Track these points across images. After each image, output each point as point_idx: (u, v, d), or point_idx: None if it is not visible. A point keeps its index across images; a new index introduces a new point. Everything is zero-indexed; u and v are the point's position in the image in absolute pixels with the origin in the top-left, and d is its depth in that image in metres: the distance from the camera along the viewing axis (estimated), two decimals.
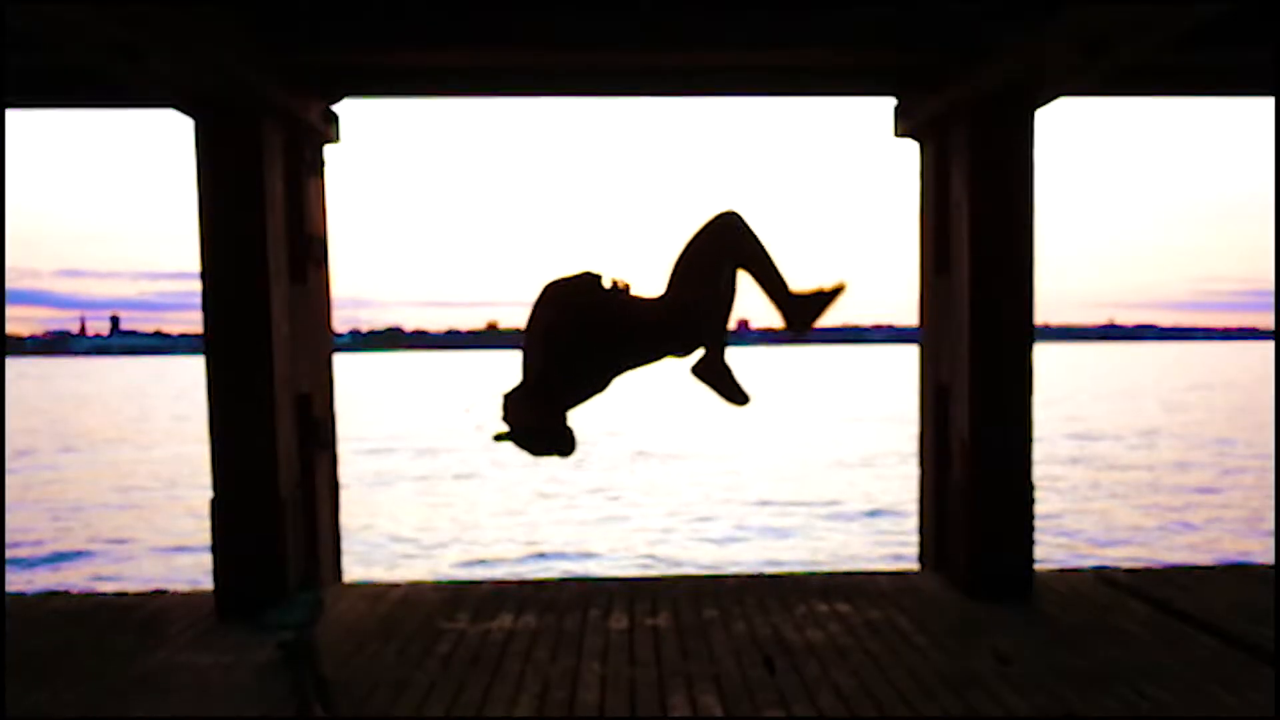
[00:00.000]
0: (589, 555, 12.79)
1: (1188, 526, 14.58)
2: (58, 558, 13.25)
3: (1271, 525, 14.02)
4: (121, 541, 14.28)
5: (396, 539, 14.31)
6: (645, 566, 12.28)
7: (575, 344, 3.18)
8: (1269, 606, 4.83)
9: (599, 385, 3.26)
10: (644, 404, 39.88)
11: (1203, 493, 17.58)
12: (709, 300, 3.37)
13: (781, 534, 14.40)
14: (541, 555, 12.63)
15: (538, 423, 3.19)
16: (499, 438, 3.19)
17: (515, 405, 3.19)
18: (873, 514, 15.91)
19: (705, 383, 3.51)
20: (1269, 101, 5.48)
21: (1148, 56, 4.54)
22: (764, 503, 16.89)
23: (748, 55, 5.13)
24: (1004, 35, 4.54)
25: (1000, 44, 4.58)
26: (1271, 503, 16.09)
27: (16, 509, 16.65)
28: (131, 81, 4.51)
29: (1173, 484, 18.59)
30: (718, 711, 3.72)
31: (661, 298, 3.32)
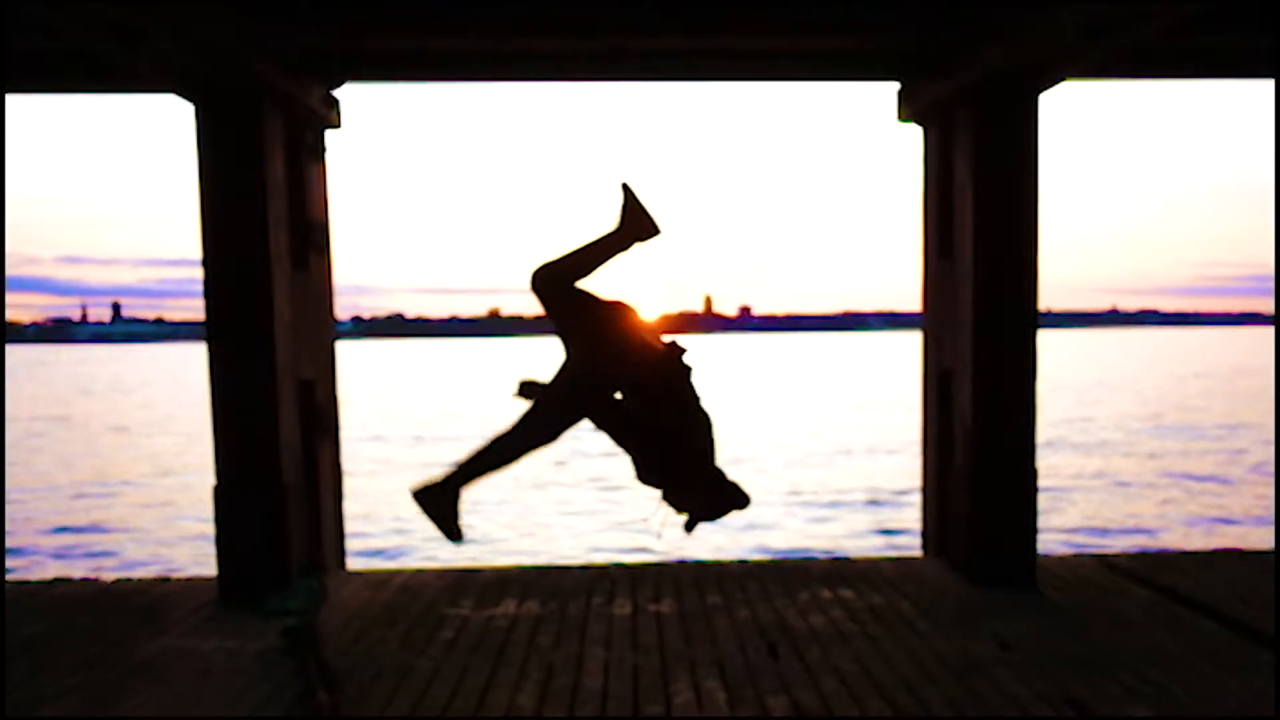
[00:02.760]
0: (597, 550, 12.80)
1: (1196, 516, 14.58)
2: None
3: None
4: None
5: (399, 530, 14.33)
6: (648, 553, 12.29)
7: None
8: (1270, 592, 4.84)
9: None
10: None
11: (1206, 480, 17.57)
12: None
13: (818, 520, 14.40)
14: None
15: (711, 496, 3.40)
16: (690, 528, 3.44)
17: (686, 497, 3.39)
18: (873, 503, 15.92)
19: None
20: (1270, 84, 5.46)
21: (1150, 40, 4.51)
22: (794, 492, 16.81)
23: (751, 40, 5.11)
24: (1008, 19, 4.52)
25: (1004, 28, 4.56)
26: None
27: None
28: (131, 65, 4.49)
29: (1178, 470, 18.57)
30: (721, 697, 3.73)
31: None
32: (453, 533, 3.43)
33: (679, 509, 3.46)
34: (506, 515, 14.68)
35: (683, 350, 3.41)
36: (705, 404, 3.43)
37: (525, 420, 3.35)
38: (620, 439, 3.46)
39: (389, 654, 4.27)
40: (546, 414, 3.35)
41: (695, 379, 3.43)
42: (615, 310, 3.34)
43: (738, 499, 3.42)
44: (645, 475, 3.46)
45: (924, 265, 5.87)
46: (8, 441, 24.72)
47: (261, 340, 5.01)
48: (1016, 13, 4.43)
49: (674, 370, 3.37)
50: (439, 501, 3.39)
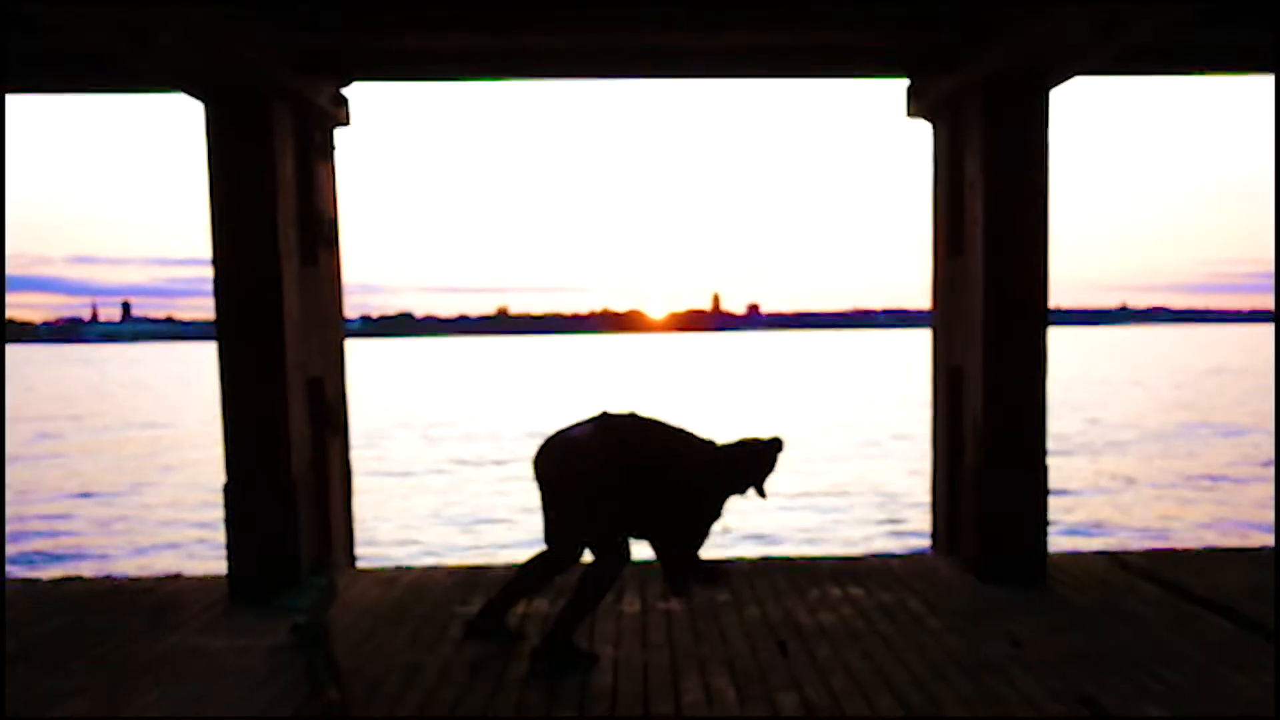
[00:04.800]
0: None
1: (1209, 513, 14.50)
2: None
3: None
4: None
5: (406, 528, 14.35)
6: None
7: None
8: None
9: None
10: (647, 391, 39.83)
11: (1218, 479, 17.49)
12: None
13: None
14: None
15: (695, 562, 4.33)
16: (680, 594, 4.67)
17: (681, 568, 4.32)
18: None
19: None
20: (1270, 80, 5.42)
21: (1162, 35, 4.49)
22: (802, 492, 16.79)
23: (760, 36, 5.09)
24: (1019, 14, 4.49)
25: (1015, 23, 4.53)
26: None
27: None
28: (140, 65, 4.50)
29: (1191, 471, 18.48)
30: (730, 695, 3.72)
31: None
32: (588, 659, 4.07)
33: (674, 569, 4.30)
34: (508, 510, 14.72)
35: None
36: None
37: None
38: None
39: (398, 652, 4.27)
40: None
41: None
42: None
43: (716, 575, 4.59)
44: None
45: (934, 262, 5.85)
46: (24, 439, 24.83)
47: (271, 338, 5.01)
48: (1028, 8, 4.41)
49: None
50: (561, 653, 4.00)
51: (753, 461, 4.14)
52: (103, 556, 12.43)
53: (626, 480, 3.89)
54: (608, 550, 3.95)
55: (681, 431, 4.11)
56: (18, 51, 4.85)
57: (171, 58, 4.41)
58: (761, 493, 4.17)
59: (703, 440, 4.14)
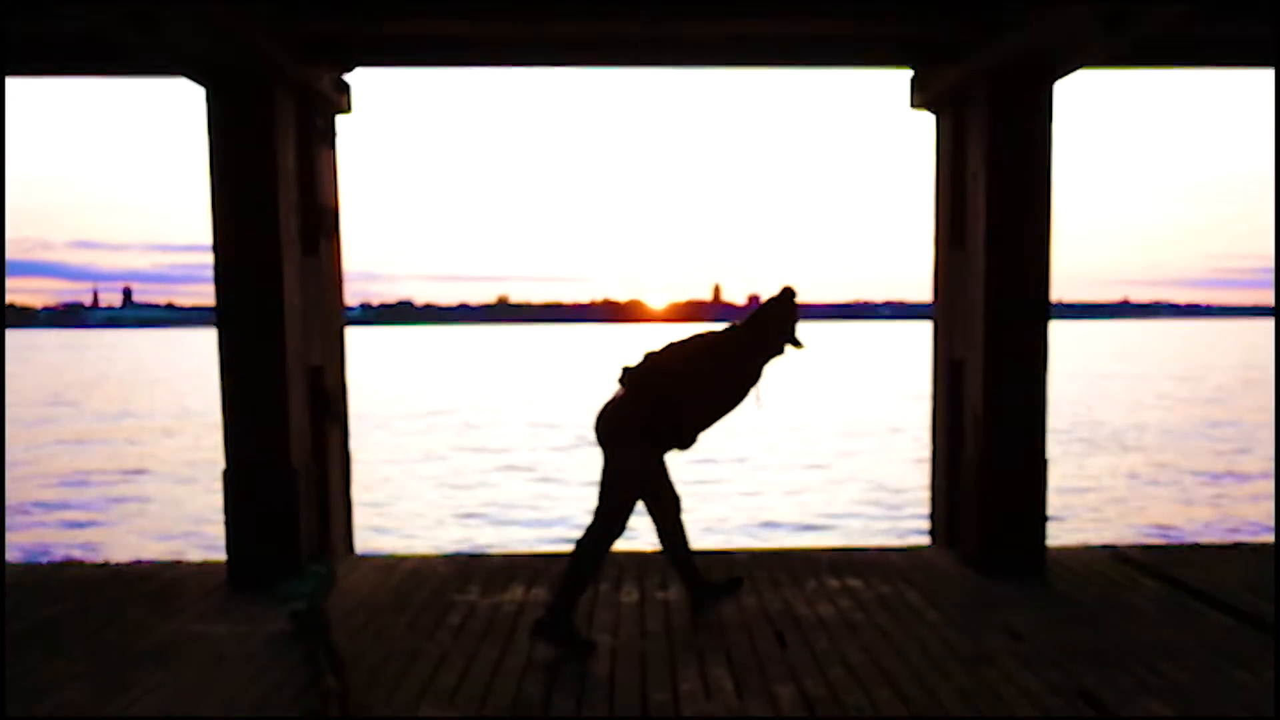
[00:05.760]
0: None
1: (1210, 509, 14.50)
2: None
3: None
4: None
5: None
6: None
7: None
8: None
9: None
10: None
11: (1219, 476, 17.49)
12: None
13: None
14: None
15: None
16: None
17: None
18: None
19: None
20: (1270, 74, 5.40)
21: (1169, 27, 4.47)
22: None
23: (762, 25, 5.07)
24: (1026, 6, 4.47)
25: (1021, 14, 4.51)
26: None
27: None
28: (144, 49, 4.48)
29: (1190, 466, 18.48)
30: (728, 685, 3.72)
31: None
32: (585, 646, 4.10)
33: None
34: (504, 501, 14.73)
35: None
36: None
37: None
38: None
39: (397, 639, 4.28)
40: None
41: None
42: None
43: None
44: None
45: (935, 254, 5.84)
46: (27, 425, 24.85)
47: (271, 326, 5.00)
48: (1035, 1, 4.39)
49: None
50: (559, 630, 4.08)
51: (775, 319, 4.24)
52: (102, 543, 12.45)
53: (670, 412, 4.11)
54: (610, 517, 4.11)
55: (694, 338, 4.27)
56: (19, 34, 4.83)
57: (176, 41, 4.39)
58: (797, 343, 4.26)
59: (718, 332, 4.30)
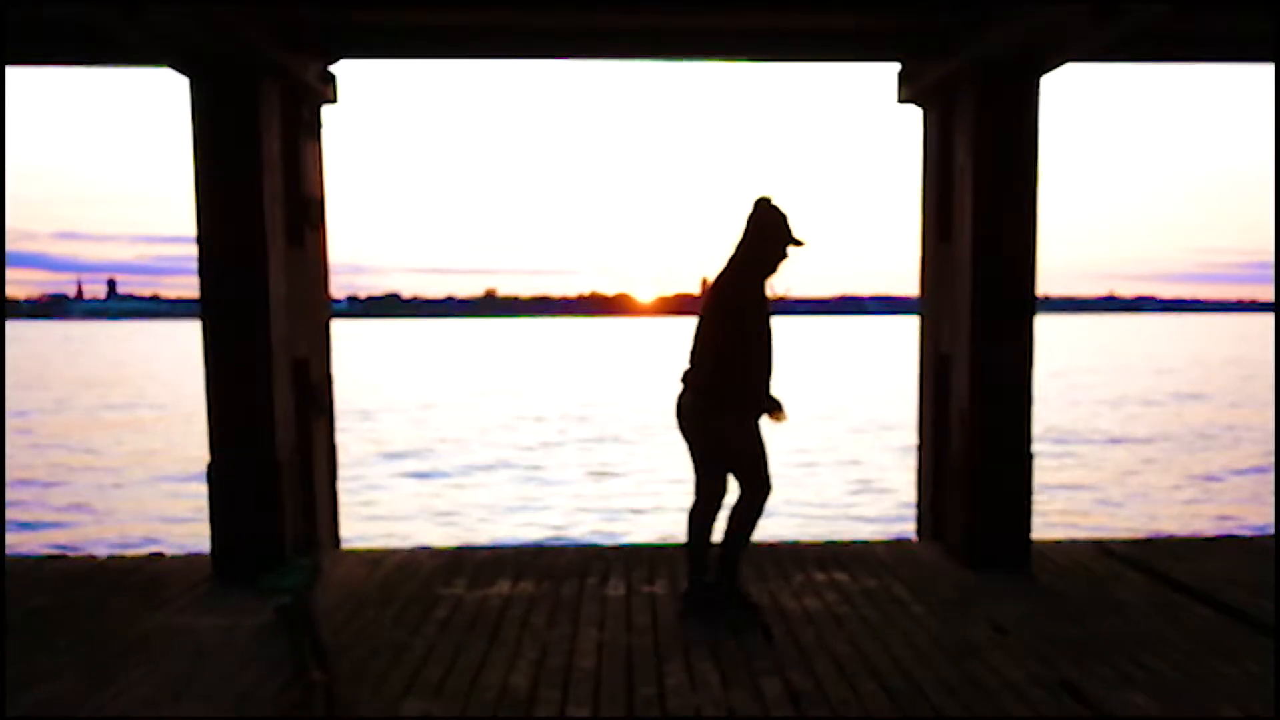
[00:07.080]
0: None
1: (1193, 500, 14.57)
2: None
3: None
4: None
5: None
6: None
7: None
8: (1267, 578, 4.84)
9: None
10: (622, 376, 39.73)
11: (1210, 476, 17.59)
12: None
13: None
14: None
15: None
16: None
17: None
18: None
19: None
20: (1270, 69, 5.42)
21: (1158, 21, 4.47)
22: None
23: (750, 18, 5.06)
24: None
25: (1012, 8, 4.51)
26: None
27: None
28: (128, 36, 4.43)
29: (1177, 460, 18.58)
30: (714, 678, 3.72)
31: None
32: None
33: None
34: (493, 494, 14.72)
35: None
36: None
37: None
38: None
39: (383, 632, 4.27)
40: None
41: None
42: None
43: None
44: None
45: (922, 249, 5.84)
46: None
47: (256, 317, 4.98)
48: None
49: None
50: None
51: (764, 233, 4.26)
52: (86, 538, 12.39)
53: (728, 372, 4.18)
54: (750, 483, 4.31)
55: (705, 303, 4.31)
56: (3, 22, 4.77)
57: (160, 27, 4.34)
58: (798, 242, 4.27)
59: (718, 275, 4.32)
